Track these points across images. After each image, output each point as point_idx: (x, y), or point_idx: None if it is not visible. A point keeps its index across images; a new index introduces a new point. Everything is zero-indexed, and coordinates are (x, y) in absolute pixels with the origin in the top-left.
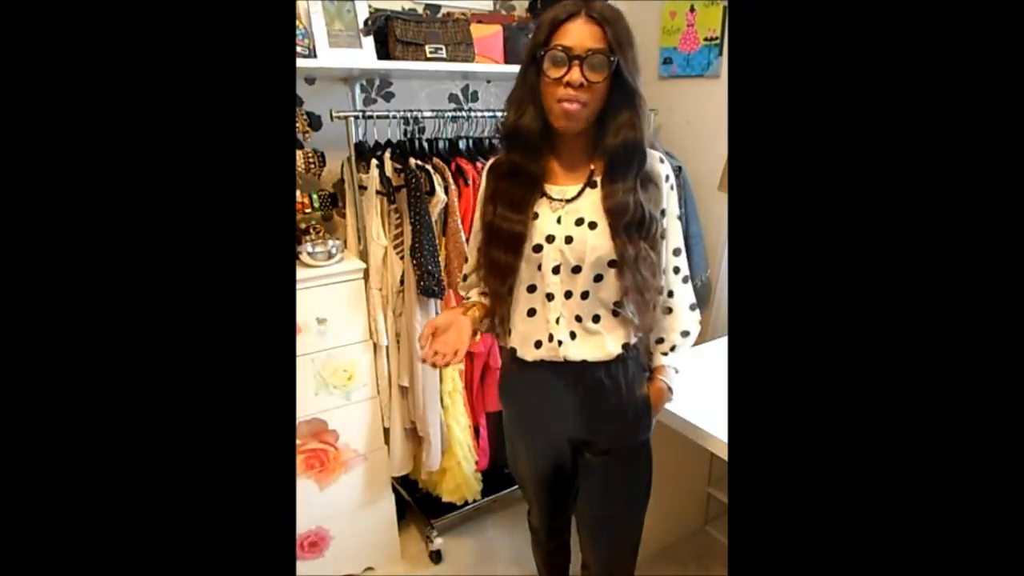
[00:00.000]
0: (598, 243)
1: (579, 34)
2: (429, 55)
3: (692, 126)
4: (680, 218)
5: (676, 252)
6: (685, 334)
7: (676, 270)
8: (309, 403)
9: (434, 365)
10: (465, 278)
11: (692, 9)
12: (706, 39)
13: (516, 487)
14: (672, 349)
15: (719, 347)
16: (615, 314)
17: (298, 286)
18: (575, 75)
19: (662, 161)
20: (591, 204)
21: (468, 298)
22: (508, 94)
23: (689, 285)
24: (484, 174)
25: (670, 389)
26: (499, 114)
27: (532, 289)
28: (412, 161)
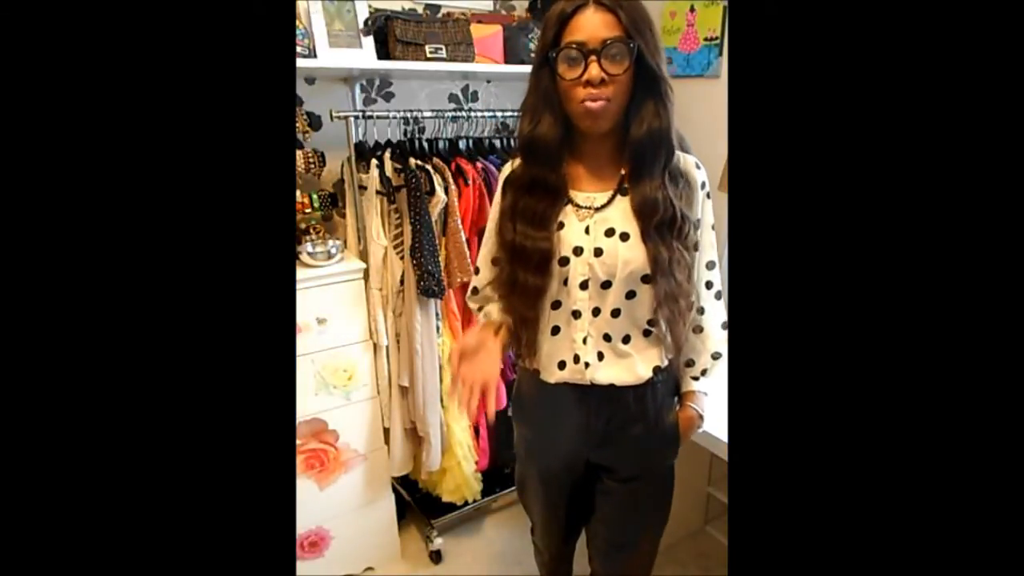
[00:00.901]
0: (631, 256)
1: (591, 25)
2: (429, 55)
3: (692, 126)
4: (714, 228)
5: (710, 266)
6: (716, 356)
7: (709, 285)
8: (309, 403)
9: (468, 410)
10: (475, 291)
11: (692, 9)
12: (706, 39)
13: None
14: (703, 373)
15: None
16: (646, 334)
17: (298, 286)
18: (594, 71)
19: (698, 167)
20: (622, 213)
21: (483, 311)
22: (518, 99)
23: (722, 302)
24: (500, 186)
25: (701, 417)
26: (499, 114)
27: (557, 306)
28: (412, 161)
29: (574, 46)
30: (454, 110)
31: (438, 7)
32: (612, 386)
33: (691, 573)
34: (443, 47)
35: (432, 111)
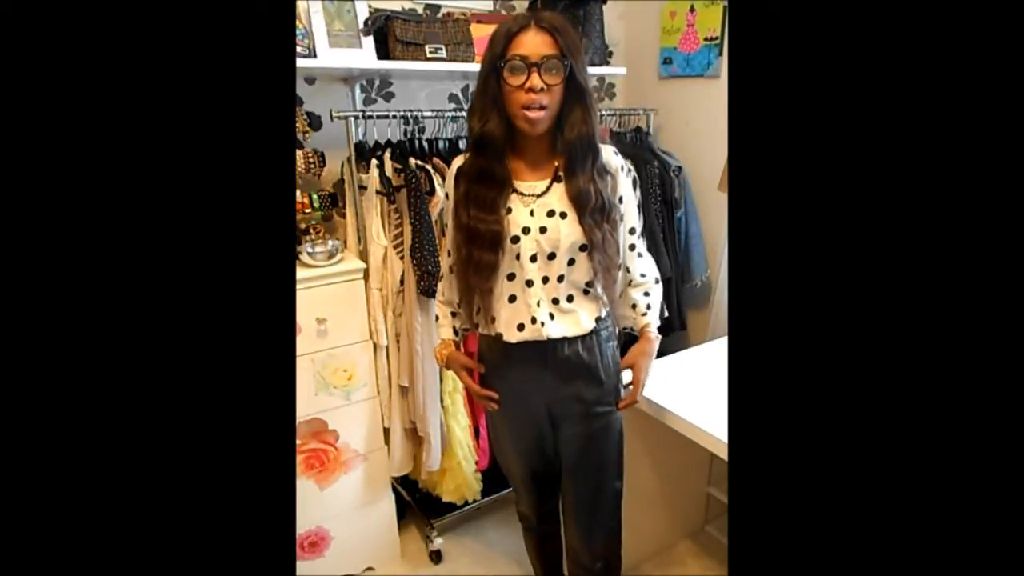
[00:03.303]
0: (570, 231)
1: (533, 43)
2: (429, 55)
3: (692, 126)
4: (636, 206)
5: (632, 231)
6: (647, 294)
7: (632, 247)
8: (309, 403)
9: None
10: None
11: (692, 9)
12: (706, 39)
13: None
14: (648, 308)
15: (719, 347)
16: (586, 292)
17: (298, 286)
18: (535, 81)
19: (616, 154)
20: (559, 197)
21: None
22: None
23: (645, 258)
24: (451, 177)
25: (657, 336)
26: None
27: (512, 277)
28: (412, 161)
29: (519, 59)
30: (454, 110)
31: (438, 7)
32: (564, 338)
33: (691, 573)
34: (443, 47)
35: (432, 111)
